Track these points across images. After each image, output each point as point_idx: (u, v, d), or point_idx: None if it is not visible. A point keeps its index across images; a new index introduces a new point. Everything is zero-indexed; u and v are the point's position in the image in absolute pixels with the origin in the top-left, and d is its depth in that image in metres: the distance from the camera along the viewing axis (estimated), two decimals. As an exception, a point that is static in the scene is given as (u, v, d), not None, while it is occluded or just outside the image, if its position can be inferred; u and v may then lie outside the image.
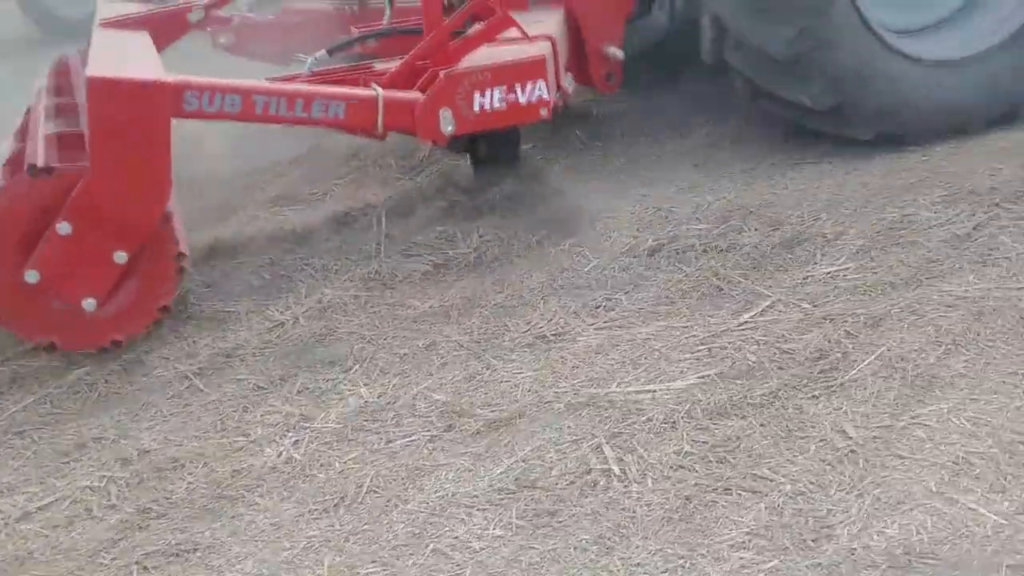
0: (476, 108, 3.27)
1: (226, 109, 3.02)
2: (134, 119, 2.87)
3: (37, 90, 4.29)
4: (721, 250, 3.27)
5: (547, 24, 3.80)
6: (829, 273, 3.04)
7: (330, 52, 3.69)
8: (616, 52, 4.17)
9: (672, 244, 3.35)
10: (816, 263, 3.12)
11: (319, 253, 3.55)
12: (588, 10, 4.16)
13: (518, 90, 3.31)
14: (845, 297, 2.89)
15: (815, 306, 2.86)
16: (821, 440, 2.27)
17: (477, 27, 3.46)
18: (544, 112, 3.38)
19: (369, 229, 3.71)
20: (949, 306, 2.75)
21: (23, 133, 3.75)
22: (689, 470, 2.23)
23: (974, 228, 3.18)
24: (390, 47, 4.15)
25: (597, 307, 3.03)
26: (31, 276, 2.92)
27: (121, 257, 2.98)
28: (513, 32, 3.44)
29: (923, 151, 3.94)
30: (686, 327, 2.84)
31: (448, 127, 3.25)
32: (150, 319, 3.11)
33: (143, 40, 3.78)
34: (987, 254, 3.03)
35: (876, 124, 3.96)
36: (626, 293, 3.09)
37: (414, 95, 3.25)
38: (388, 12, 4.68)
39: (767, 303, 2.91)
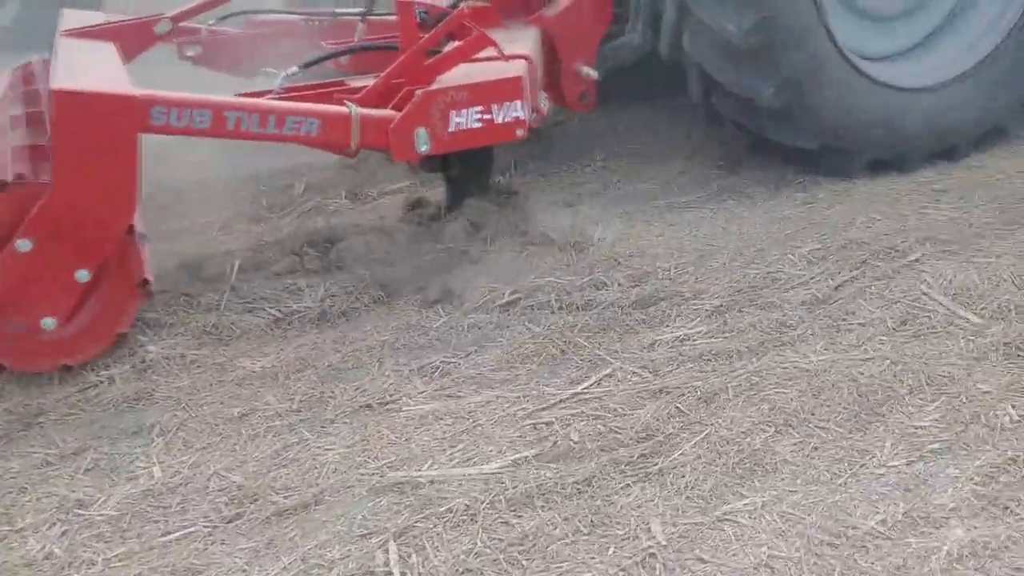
0: (452, 127, 3.22)
1: (195, 125, 2.93)
2: (99, 134, 2.78)
3: None
4: (576, 308, 3.14)
5: (522, 43, 3.77)
6: (679, 337, 2.95)
7: (302, 67, 3.62)
8: (590, 72, 4.17)
9: (529, 299, 3.20)
10: (668, 325, 3.04)
11: (155, 304, 3.22)
12: (563, 30, 4.16)
13: (494, 110, 3.27)
14: (688, 366, 2.79)
15: (655, 375, 2.76)
16: (624, 538, 2.13)
17: (453, 45, 3.41)
18: (520, 132, 3.34)
19: (220, 278, 3.43)
20: (790, 379, 2.69)
21: None
22: (477, 574, 2.07)
23: (835, 288, 3.16)
24: (363, 64, 4.09)
25: (433, 371, 2.88)
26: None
27: (83, 276, 2.88)
28: (490, 51, 3.39)
29: (809, 194, 3.98)
30: (518, 398, 2.71)
31: (423, 146, 3.20)
32: (106, 345, 3.01)
33: (109, 52, 3.69)
34: (842, 319, 2.99)
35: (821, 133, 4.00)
36: (467, 355, 2.94)
37: (389, 113, 3.19)
38: (361, 27, 4.65)
39: (607, 371, 2.80)
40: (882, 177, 4.08)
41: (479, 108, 3.24)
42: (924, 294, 3.08)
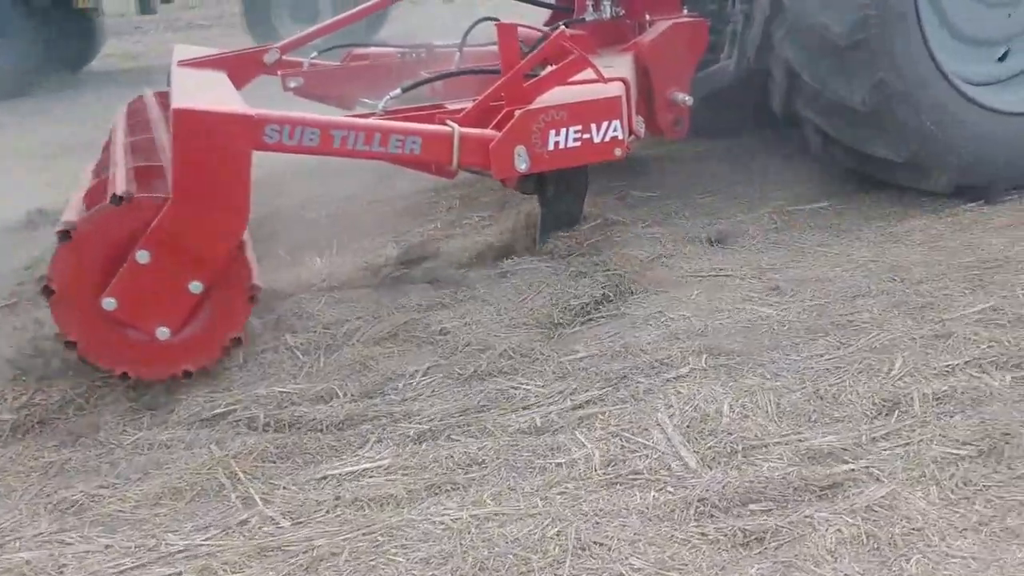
0: (551, 146, 3.27)
1: (305, 143, 3.04)
2: (217, 150, 2.91)
3: (112, 128, 4.41)
4: (278, 424, 2.77)
5: (618, 68, 3.82)
6: (356, 473, 2.51)
7: (404, 90, 3.73)
8: (685, 98, 4.18)
9: (245, 410, 2.84)
10: (355, 455, 2.60)
11: None
12: (658, 56, 4.18)
13: (593, 129, 3.31)
14: (337, 514, 2.35)
15: (294, 523, 2.33)
16: None
17: (552, 68, 3.47)
18: (618, 152, 3.37)
19: None
20: (423, 540, 2.21)
21: (100, 169, 3.84)
22: None
23: (559, 414, 2.68)
24: (460, 90, 4.19)
25: (68, 506, 2.49)
26: (109, 304, 2.94)
27: (197, 287, 3.00)
28: (588, 73, 3.45)
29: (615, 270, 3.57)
30: (129, 548, 2.29)
31: (522, 164, 3.25)
32: (220, 350, 3.12)
33: (221, 78, 3.86)
34: (546, 454, 2.49)
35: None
36: (123, 486, 2.55)
37: (490, 132, 3.26)
38: (458, 57, 4.77)
39: (242, 516, 2.38)
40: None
41: (578, 127, 3.29)
42: (657, 424, 2.58)
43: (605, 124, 3.31)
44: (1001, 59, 4.25)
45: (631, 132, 3.52)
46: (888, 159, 3.95)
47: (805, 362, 2.84)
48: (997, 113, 3.99)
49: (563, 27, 3.55)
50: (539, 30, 3.82)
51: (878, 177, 4.13)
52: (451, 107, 3.64)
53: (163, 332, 3.01)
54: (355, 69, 5.24)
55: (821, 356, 2.87)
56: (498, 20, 4.79)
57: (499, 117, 3.33)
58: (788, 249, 3.81)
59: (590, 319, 3.25)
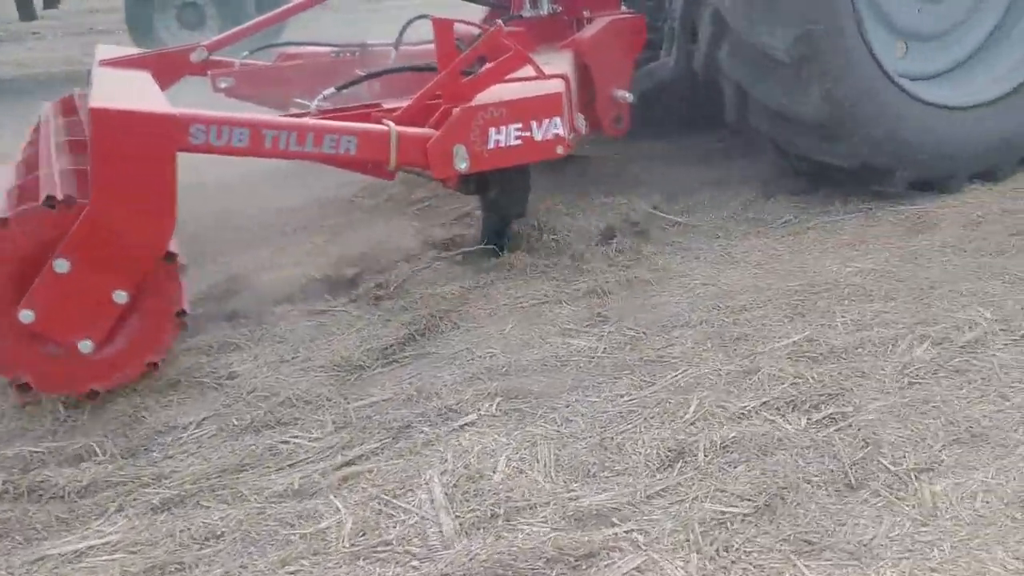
0: (491, 144, 3.18)
1: (234, 143, 2.90)
2: (139, 152, 2.75)
3: (37, 125, 4.19)
4: (16, 492, 2.43)
5: (558, 65, 3.74)
6: (77, 553, 2.19)
7: (339, 89, 3.61)
8: (625, 95, 4.13)
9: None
10: (84, 530, 2.29)
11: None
12: (597, 52, 4.12)
13: (534, 127, 3.23)
14: None
15: None
16: None
17: (489, 65, 3.38)
18: (560, 150, 3.29)
19: None
20: None
21: (26, 166, 3.62)
22: None
23: (324, 473, 2.43)
24: (397, 89, 4.08)
25: None
26: (26, 316, 2.77)
27: (121, 296, 2.84)
28: (527, 70, 3.36)
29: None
30: None
31: (462, 163, 3.16)
32: (136, 373, 2.96)
33: (144, 78, 3.69)
34: (294, 523, 2.25)
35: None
36: None
37: (428, 131, 3.16)
38: (394, 56, 4.66)
39: None
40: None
41: (518, 125, 3.20)
42: (425, 484, 2.35)
43: (547, 122, 3.23)
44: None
45: (573, 130, 3.44)
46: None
47: (602, 404, 2.64)
48: (942, 108, 4.01)
49: (500, 24, 3.45)
50: (476, 26, 3.72)
51: (837, 180, 4.12)
52: (387, 106, 3.52)
53: (86, 346, 2.85)
54: (288, 69, 5.09)
55: (621, 397, 2.67)
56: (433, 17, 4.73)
57: (437, 115, 3.23)
58: (623, 270, 3.57)
59: (394, 360, 3.01)
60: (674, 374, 2.78)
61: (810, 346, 2.87)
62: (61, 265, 2.76)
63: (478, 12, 5.12)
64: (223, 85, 4.91)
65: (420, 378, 2.88)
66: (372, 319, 3.27)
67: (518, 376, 2.84)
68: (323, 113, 3.49)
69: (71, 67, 11.39)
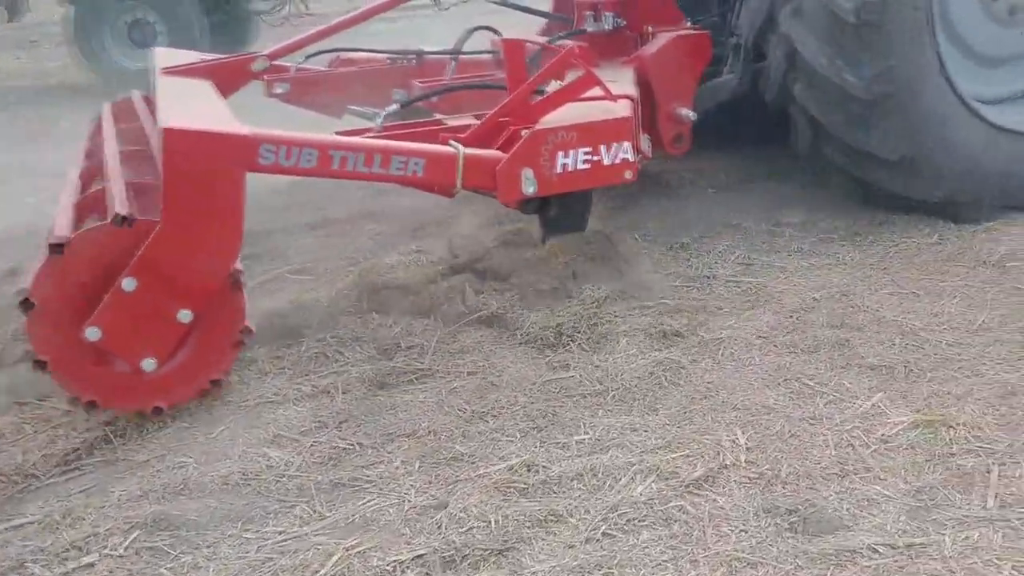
0: (559, 168, 3.13)
1: (302, 164, 2.88)
2: (209, 172, 2.74)
3: (95, 128, 4.19)
4: None
5: (621, 83, 3.68)
6: None
7: (403, 106, 3.57)
8: (688, 114, 4.06)
9: None
10: None
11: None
12: (661, 69, 4.06)
13: (603, 151, 3.18)
14: None
15: None
16: None
17: (557, 84, 3.33)
18: (628, 175, 3.24)
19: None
20: None
21: (88, 175, 3.62)
22: None
23: None
24: (455, 100, 4.04)
25: None
26: (92, 333, 2.77)
27: (186, 316, 2.83)
28: (595, 91, 3.31)
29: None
30: None
31: (529, 188, 3.11)
32: (199, 390, 2.95)
33: (207, 88, 3.68)
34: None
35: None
36: None
37: (496, 154, 3.11)
38: (452, 66, 4.61)
39: None
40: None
41: (587, 149, 3.15)
42: None
43: (615, 146, 3.18)
44: None
45: (639, 152, 3.38)
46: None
47: (248, 546, 2.28)
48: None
49: (568, 41, 3.39)
50: (543, 44, 3.66)
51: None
52: (451, 123, 3.49)
53: (149, 364, 2.85)
54: (343, 76, 5.06)
55: (274, 537, 2.32)
56: (492, 29, 4.69)
57: (505, 136, 3.18)
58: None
59: (75, 468, 2.67)
60: (356, 504, 2.41)
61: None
62: (129, 284, 2.77)
63: (536, 22, 5.06)
64: (278, 91, 4.89)
65: (85, 495, 2.54)
66: (77, 413, 2.90)
67: (185, 499, 2.48)
68: (387, 130, 3.46)
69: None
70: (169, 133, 2.71)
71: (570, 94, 3.24)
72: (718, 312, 3.32)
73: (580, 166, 3.16)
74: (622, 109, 3.28)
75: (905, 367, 2.86)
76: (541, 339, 3.14)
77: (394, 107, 3.56)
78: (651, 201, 4.56)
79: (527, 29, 4.96)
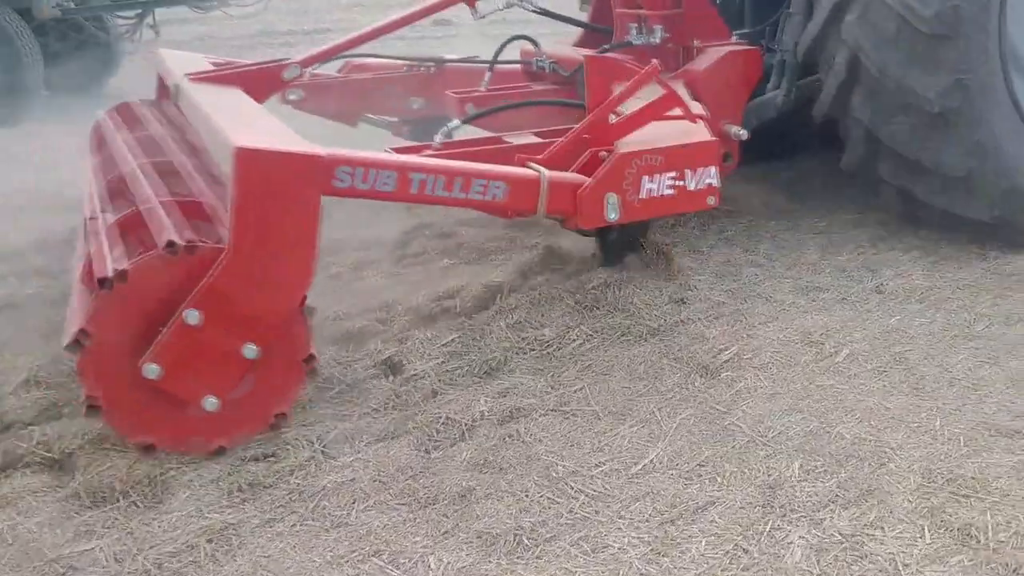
0: (643, 194, 2.95)
1: (379, 187, 2.66)
2: (284, 195, 2.50)
3: (98, 140, 3.89)
4: None
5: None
6: None
7: (465, 121, 3.36)
8: (739, 132, 3.91)
9: None
10: None
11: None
12: (712, 85, 3.91)
13: (688, 176, 3.01)
14: None
15: None
16: None
17: (640, 104, 3.13)
18: (712, 200, 3.08)
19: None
20: None
21: (109, 193, 3.31)
22: None
23: None
24: (503, 119, 3.83)
25: None
26: (151, 371, 2.51)
27: (251, 351, 2.59)
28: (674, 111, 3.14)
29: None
30: None
31: (613, 214, 2.92)
32: (264, 425, 2.72)
33: (252, 102, 3.42)
34: None
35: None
36: None
37: (578, 177, 2.92)
38: (489, 76, 4.41)
39: None
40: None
41: (673, 173, 2.98)
42: None
43: (701, 170, 3.01)
44: None
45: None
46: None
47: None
48: None
49: (655, 62, 3.17)
50: (628, 64, 3.44)
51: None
52: (514, 141, 3.28)
53: (211, 403, 2.60)
54: (359, 83, 4.82)
55: None
56: (530, 39, 4.50)
57: (585, 159, 2.98)
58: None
59: None
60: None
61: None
62: (192, 316, 2.52)
63: (571, 32, 4.88)
64: (292, 97, 4.64)
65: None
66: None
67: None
68: (447, 147, 3.25)
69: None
70: (242, 154, 2.46)
71: (653, 114, 3.06)
72: None
73: (665, 191, 2.98)
74: (704, 131, 3.11)
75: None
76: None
77: (456, 123, 3.34)
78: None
79: (567, 38, 4.73)
